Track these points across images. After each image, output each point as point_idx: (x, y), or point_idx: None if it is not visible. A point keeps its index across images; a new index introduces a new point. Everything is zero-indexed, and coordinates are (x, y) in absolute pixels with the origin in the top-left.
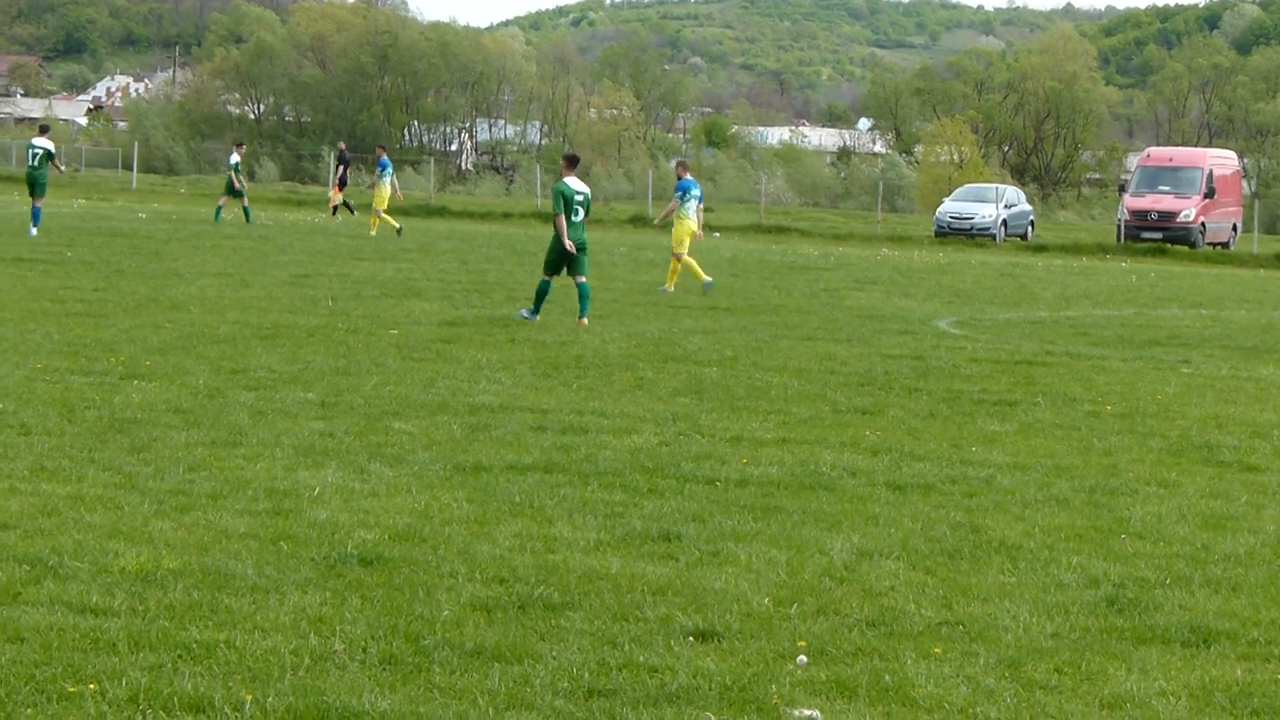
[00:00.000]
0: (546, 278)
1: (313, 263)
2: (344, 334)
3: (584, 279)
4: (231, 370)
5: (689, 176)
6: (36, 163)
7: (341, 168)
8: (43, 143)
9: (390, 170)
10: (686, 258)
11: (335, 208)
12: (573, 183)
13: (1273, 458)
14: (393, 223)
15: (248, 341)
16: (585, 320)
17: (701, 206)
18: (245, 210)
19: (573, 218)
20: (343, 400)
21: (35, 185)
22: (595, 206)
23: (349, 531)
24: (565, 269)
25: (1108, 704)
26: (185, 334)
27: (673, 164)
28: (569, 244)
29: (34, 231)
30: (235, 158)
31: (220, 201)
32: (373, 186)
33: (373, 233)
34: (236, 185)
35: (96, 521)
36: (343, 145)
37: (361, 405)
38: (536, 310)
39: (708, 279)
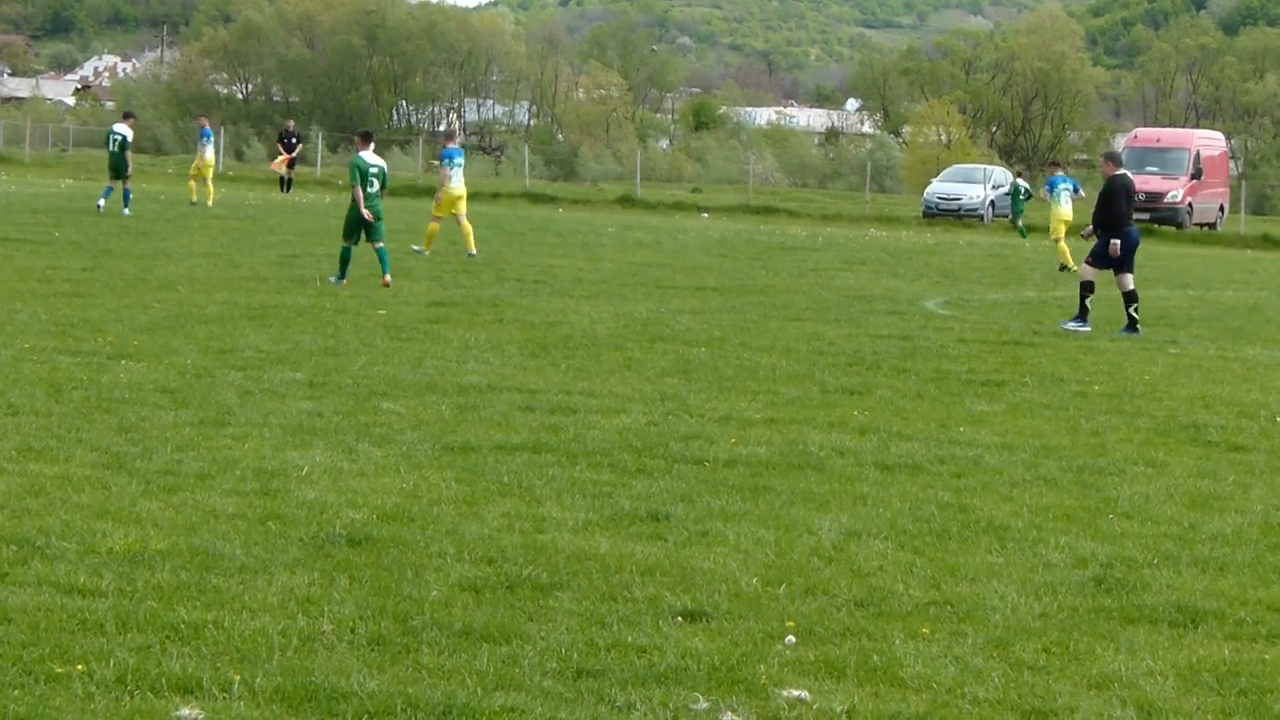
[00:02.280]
0: (346, 244)
1: (301, 243)
2: (332, 314)
3: (381, 244)
4: (219, 350)
5: (454, 145)
6: (116, 147)
7: (297, 143)
8: (122, 128)
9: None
10: (465, 221)
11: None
12: (368, 157)
13: (1259, 437)
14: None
15: (236, 321)
16: (388, 278)
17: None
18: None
19: (368, 189)
20: (331, 380)
21: (116, 169)
22: (584, 187)
23: (337, 511)
24: (364, 236)
25: (1095, 684)
26: (173, 314)
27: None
28: (367, 213)
29: (127, 211)
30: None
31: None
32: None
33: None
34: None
35: (84, 502)
36: (291, 123)
37: (350, 385)
38: (342, 275)
39: (472, 250)
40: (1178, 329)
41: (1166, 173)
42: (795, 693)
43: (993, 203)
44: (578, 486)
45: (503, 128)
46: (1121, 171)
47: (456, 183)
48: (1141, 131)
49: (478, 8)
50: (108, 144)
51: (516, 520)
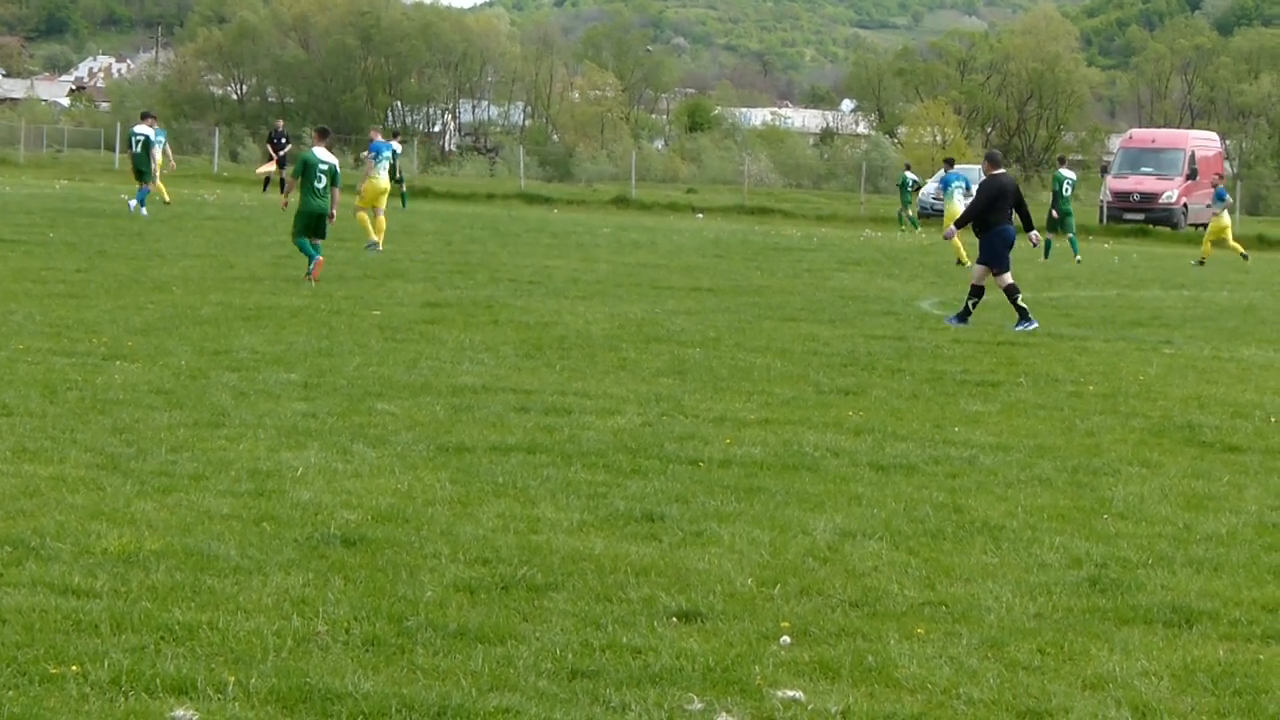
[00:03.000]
0: (300, 238)
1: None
2: (327, 315)
3: (320, 241)
4: (214, 351)
5: (379, 138)
6: (139, 148)
7: (285, 143)
8: (143, 129)
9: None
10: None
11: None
12: (320, 153)
13: (1254, 438)
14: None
15: (230, 323)
16: (317, 271)
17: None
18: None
19: (315, 184)
20: (326, 381)
21: (140, 170)
22: (579, 188)
23: (332, 512)
24: (316, 229)
25: (1090, 684)
26: (168, 315)
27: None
28: (284, 201)
29: (143, 211)
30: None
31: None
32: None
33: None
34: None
35: (78, 503)
36: (280, 123)
37: (344, 386)
38: (312, 260)
39: (373, 239)
40: (1172, 329)
41: (1162, 173)
42: (790, 693)
43: None
44: (572, 487)
45: (498, 128)
46: (1001, 171)
47: (382, 176)
48: (1136, 132)
49: (473, 8)
50: (130, 146)
51: (511, 521)
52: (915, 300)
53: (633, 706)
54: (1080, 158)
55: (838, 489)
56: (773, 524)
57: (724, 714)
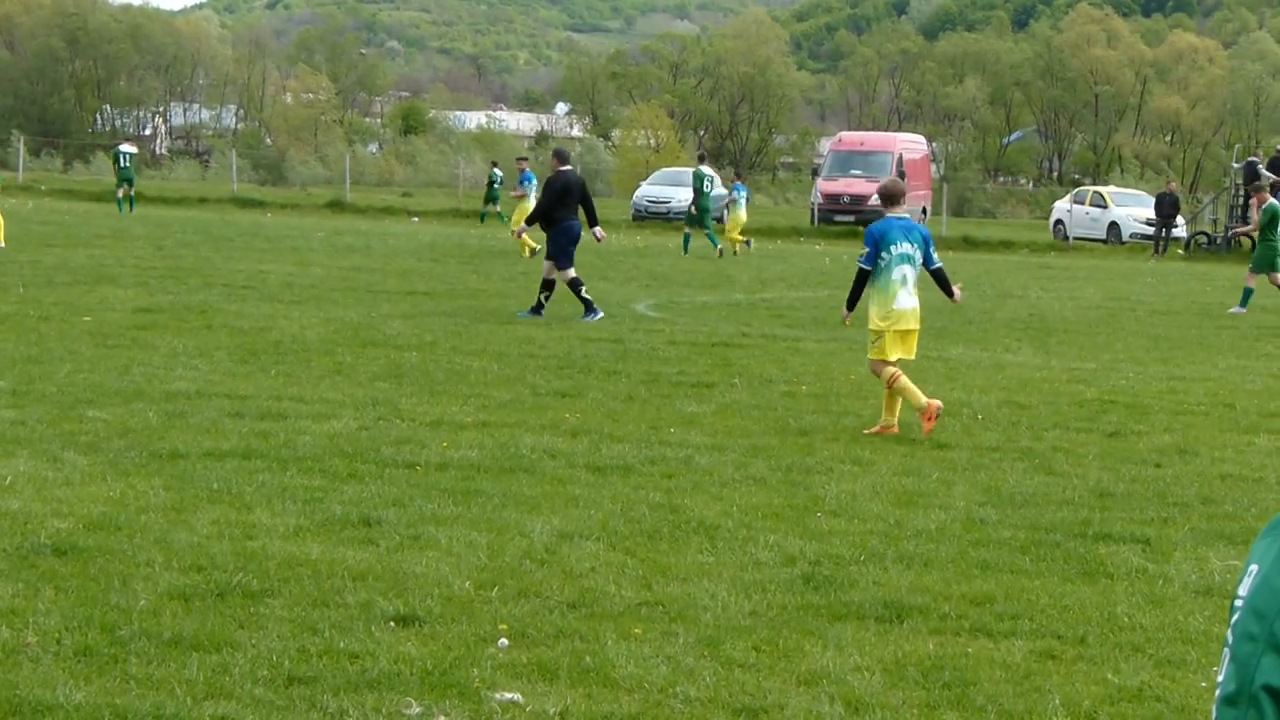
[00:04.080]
0: None
1: (3, 249)
2: (36, 321)
3: None
4: None
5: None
6: None
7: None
8: None
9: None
10: None
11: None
12: None
13: (962, 435)
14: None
15: None
16: None
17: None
18: None
19: None
20: (35, 388)
21: None
22: (293, 192)
23: (42, 521)
24: None
25: (805, 680)
26: None
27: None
28: None
29: None
30: None
31: None
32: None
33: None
34: None
35: None
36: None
37: (54, 393)
38: None
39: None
40: None
41: (871, 175)
42: (508, 695)
43: None
44: (288, 492)
45: (210, 132)
46: (568, 168)
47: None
48: (846, 135)
49: (182, 11)
50: None
51: (226, 527)
52: (631, 303)
53: (351, 712)
54: (792, 160)
55: (555, 490)
56: (490, 526)
57: (442, 717)
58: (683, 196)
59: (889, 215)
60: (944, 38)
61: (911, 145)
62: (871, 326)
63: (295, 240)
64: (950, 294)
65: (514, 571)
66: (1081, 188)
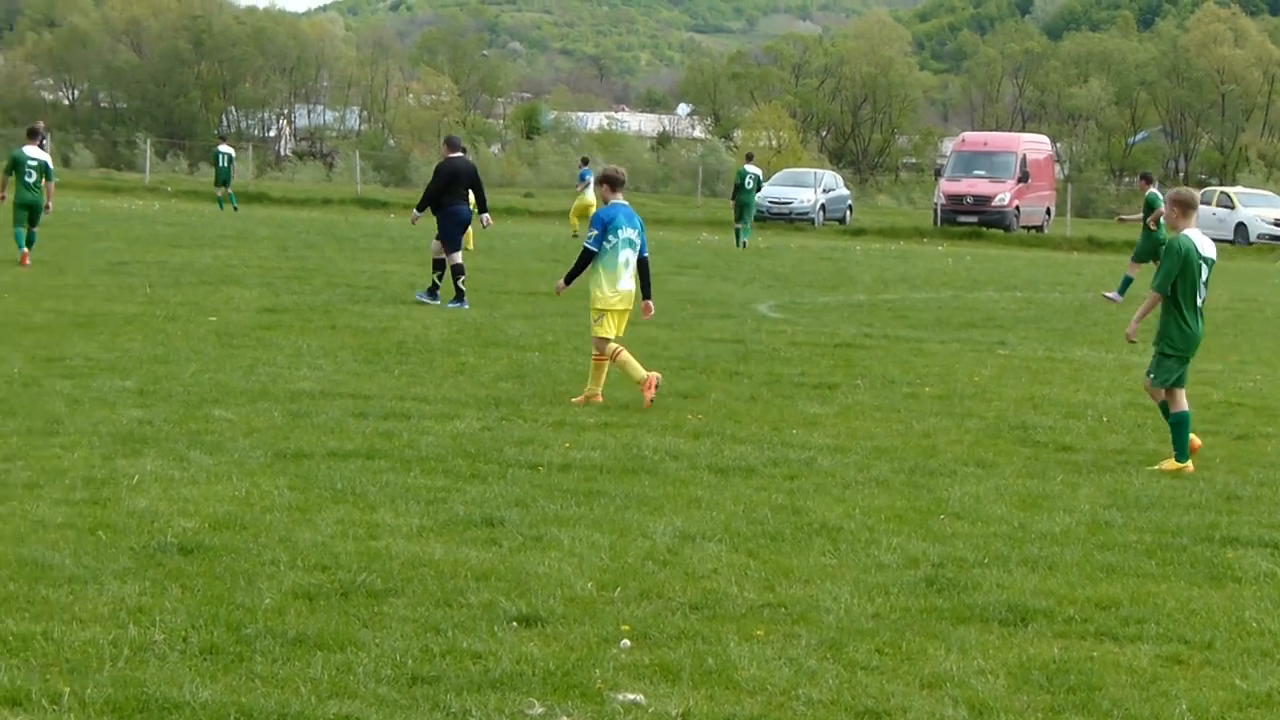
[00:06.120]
0: (18, 228)
1: (129, 250)
2: (162, 322)
3: (35, 229)
4: (47, 358)
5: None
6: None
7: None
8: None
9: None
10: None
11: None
12: (29, 150)
13: (1087, 438)
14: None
15: (64, 330)
16: (28, 256)
17: None
18: None
19: (25, 179)
20: (161, 388)
21: None
22: (415, 192)
23: (168, 520)
24: (28, 219)
25: (927, 683)
26: None
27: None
28: (2, 195)
29: None
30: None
31: None
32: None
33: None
34: None
35: None
36: (41, 122)
37: (180, 393)
38: (20, 246)
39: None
40: (1006, 330)
41: (994, 176)
42: (630, 696)
43: (823, 206)
44: (411, 492)
45: (333, 133)
46: (458, 154)
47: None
48: (969, 135)
49: (307, 13)
50: None
51: (350, 527)
52: (752, 303)
53: (473, 712)
54: (914, 161)
55: (677, 492)
56: (612, 527)
57: (564, 718)
58: (805, 198)
59: (613, 201)
60: (1068, 37)
61: (1035, 145)
62: (599, 305)
63: (418, 240)
64: (649, 291)
65: (636, 572)
66: (1208, 188)
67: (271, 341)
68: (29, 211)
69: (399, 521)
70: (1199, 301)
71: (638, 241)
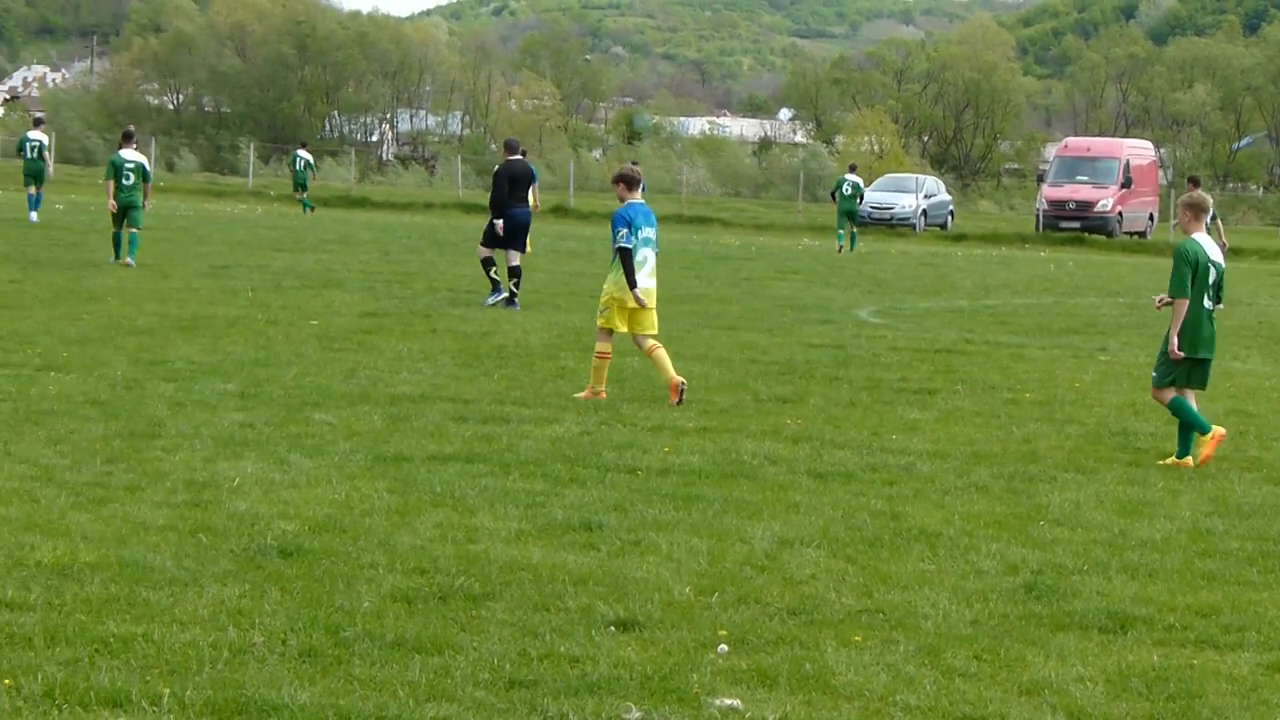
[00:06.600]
0: (115, 230)
1: (232, 254)
2: (264, 325)
3: (135, 230)
4: (150, 362)
5: None
6: (34, 155)
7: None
8: (37, 136)
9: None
10: None
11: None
12: (125, 153)
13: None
14: None
15: (166, 333)
16: (131, 260)
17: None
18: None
19: (123, 182)
20: (262, 391)
21: (33, 176)
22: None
23: (268, 523)
24: (125, 220)
25: (1026, 690)
26: (103, 325)
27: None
28: (112, 203)
29: (33, 217)
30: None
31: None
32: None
33: None
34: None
35: (12, 514)
36: (131, 126)
37: (281, 396)
38: (116, 256)
39: None
40: (1108, 336)
41: (1097, 182)
42: (728, 701)
43: (925, 212)
44: (510, 496)
45: (436, 138)
46: (516, 157)
47: None
48: (1072, 141)
49: (410, 18)
50: (24, 152)
51: (449, 530)
52: (853, 309)
53: (571, 716)
54: (1016, 166)
55: (776, 497)
56: (711, 532)
57: None
58: (906, 203)
59: (630, 200)
60: (1173, 42)
61: (1139, 151)
62: (610, 296)
63: None
64: (634, 282)
65: (734, 577)
66: None
67: (372, 345)
68: (125, 213)
69: (498, 525)
70: (1207, 304)
71: (656, 240)
